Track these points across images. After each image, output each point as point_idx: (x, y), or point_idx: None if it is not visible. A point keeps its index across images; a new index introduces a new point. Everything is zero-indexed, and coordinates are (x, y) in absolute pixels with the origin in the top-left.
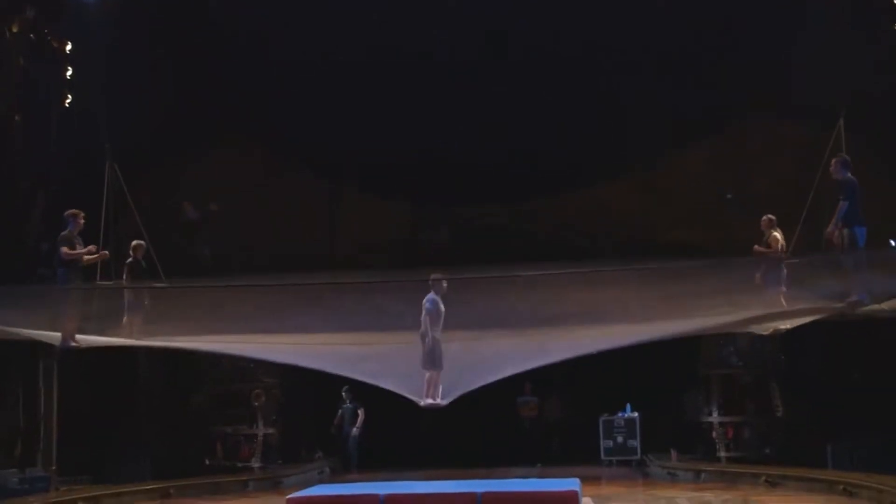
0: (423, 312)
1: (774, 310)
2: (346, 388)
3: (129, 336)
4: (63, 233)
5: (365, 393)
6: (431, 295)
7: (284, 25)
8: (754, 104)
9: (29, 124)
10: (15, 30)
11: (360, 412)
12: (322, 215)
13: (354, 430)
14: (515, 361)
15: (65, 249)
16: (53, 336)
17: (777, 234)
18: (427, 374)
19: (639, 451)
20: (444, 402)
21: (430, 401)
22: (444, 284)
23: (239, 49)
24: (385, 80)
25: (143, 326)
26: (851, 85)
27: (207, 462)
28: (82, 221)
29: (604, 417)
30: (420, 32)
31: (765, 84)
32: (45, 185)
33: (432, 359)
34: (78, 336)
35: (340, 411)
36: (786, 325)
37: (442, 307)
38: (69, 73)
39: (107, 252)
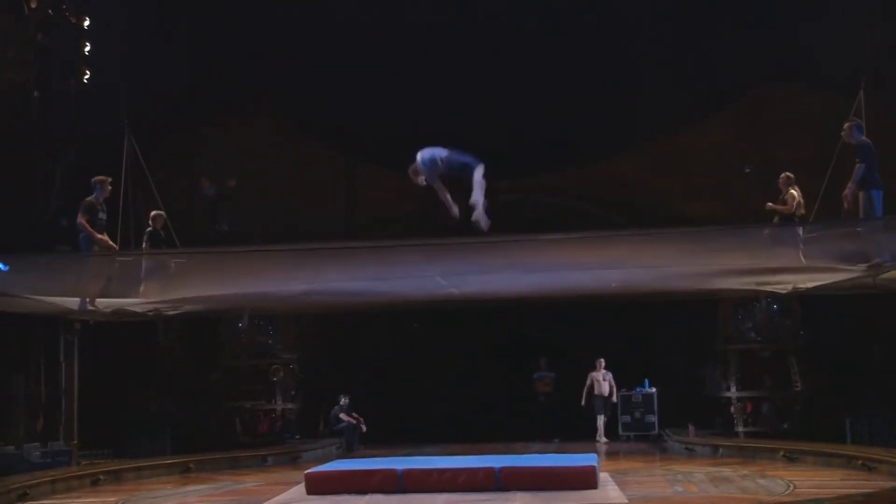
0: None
1: (794, 265)
2: (344, 397)
3: (148, 298)
4: (89, 198)
5: (379, 369)
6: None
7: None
8: (773, 75)
9: (47, 100)
10: (33, 5)
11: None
12: (339, 188)
13: (356, 444)
14: (538, 277)
15: (83, 221)
16: (73, 301)
17: (794, 192)
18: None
19: (656, 426)
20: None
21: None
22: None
23: (255, 22)
24: (401, 53)
25: (163, 290)
26: (872, 54)
27: (226, 437)
28: (109, 188)
29: (621, 392)
30: (437, 5)
31: (784, 54)
32: (63, 160)
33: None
34: (98, 300)
35: (341, 419)
36: (806, 283)
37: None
38: (87, 48)
39: (116, 247)
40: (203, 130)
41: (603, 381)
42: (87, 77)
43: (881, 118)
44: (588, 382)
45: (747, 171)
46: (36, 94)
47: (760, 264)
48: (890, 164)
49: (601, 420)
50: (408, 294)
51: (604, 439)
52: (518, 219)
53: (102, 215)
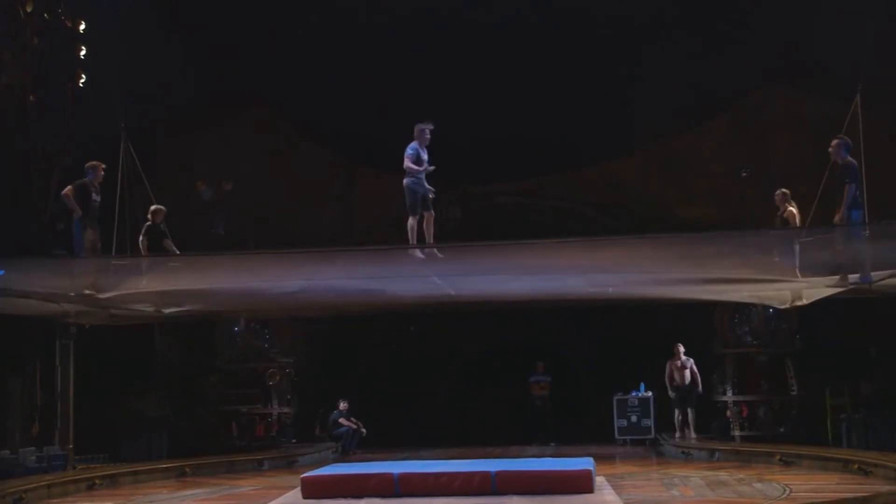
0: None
1: (790, 278)
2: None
3: (148, 287)
4: (82, 180)
5: (375, 373)
6: (414, 143)
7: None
8: (771, 78)
9: (44, 104)
10: (29, 9)
11: (362, 429)
12: (336, 192)
13: (352, 448)
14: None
15: (69, 194)
16: (69, 297)
17: (793, 209)
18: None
19: (653, 430)
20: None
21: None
22: (427, 134)
23: (253, 26)
24: (399, 56)
25: (162, 281)
26: (870, 58)
27: (223, 441)
28: (102, 173)
29: (618, 396)
30: (437, 6)
31: (782, 57)
32: (59, 164)
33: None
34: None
35: (340, 424)
36: (802, 301)
37: (424, 156)
38: (83, 52)
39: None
40: (200, 133)
41: (683, 369)
42: (83, 81)
43: (879, 121)
44: (668, 372)
45: (744, 174)
46: (32, 97)
47: (757, 275)
48: (888, 165)
49: (691, 415)
50: (404, 294)
51: (693, 435)
52: (515, 221)
53: (96, 197)
